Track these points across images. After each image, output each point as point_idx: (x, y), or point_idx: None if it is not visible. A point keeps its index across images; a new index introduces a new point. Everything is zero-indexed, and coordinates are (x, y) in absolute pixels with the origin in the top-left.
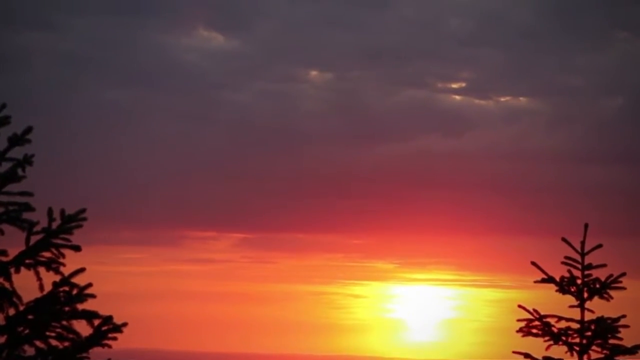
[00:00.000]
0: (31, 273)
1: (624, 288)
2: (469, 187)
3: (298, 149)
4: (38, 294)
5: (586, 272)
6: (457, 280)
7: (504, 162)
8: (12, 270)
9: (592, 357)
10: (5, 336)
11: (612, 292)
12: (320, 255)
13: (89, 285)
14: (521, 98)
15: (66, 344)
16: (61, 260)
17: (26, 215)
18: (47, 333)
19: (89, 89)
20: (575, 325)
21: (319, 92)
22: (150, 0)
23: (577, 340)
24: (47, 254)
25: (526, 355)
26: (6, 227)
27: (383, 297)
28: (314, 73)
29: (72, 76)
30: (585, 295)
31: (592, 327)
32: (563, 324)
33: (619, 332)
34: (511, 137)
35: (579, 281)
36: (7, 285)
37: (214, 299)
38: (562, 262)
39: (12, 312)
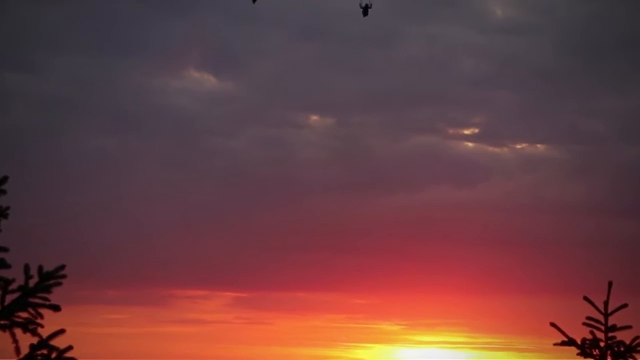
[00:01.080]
0: (7, 335)
1: None
2: (482, 242)
3: (296, 199)
4: (14, 358)
5: (610, 334)
6: (469, 342)
7: (520, 215)
8: None
9: None
10: None
11: (638, 356)
12: (321, 316)
13: (69, 348)
14: (538, 145)
15: None
16: (39, 321)
17: (1, 273)
18: None
19: (71, 135)
20: None
21: (319, 139)
22: (136, 39)
23: None
24: (24, 315)
25: None
26: None
27: None
28: (314, 118)
29: (53, 121)
30: (609, 359)
31: None
32: None
33: None
34: (528, 188)
35: (602, 344)
36: None
37: None
38: (584, 323)
39: None
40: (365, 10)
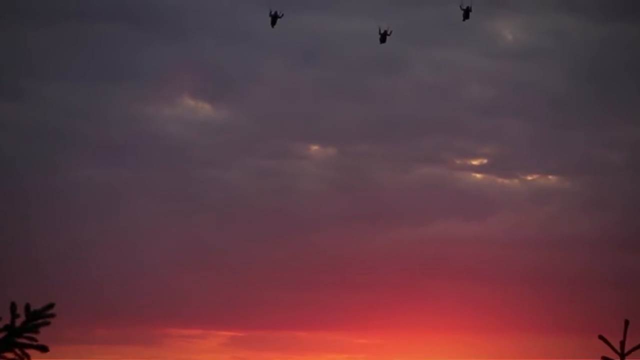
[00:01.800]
0: None
1: None
2: (491, 278)
3: (296, 234)
4: None
5: None
6: None
7: (532, 249)
8: None
9: None
10: None
11: None
12: (322, 356)
13: None
14: (550, 176)
15: None
16: None
17: None
18: None
19: (58, 165)
20: None
21: (320, 170)
22: (128, 65)
23: None
24: (10, 355)
25: None
26: None
27: None
28: (314, 148)
29: (41, 151)
30: None
31: None
32: None
33: None
34: (540, 221)
35: None
36: None
37: None
38: None
39: None
40: (384, 37)
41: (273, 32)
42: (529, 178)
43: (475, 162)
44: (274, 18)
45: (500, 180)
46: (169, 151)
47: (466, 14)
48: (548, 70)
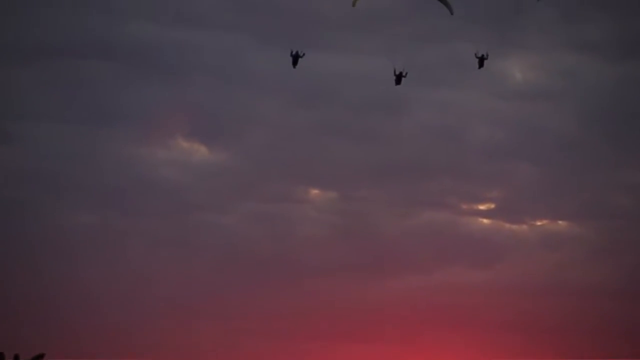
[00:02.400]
0: None
1: None
2: (500, 328)
3: (296, 281)
4: None
5: None
6: None
7: (541, 298)
8: None
9: None
10: None
11: None
12: None
13: None
14: (560, 222)
15: None
16: None
17: None
18: None
19: (51, 211)
20: None
21: (320, 215)
22: (121, 106)
23: None
24: None
25: None
26: None
27: None
28: (314, 192)
29: (33, 197)
30: None
31: None
32: None
33: None
34: (549, 268)
35: None
36: None
37: None
38: None
39: None
40: (399, 78)
41: (272, 71)
42: (538, 223)
43: (482, 207)
44: (295, 58)
45: (508, 225)
46: (164, 195)
47: (481, 62)
48: (558, 112)
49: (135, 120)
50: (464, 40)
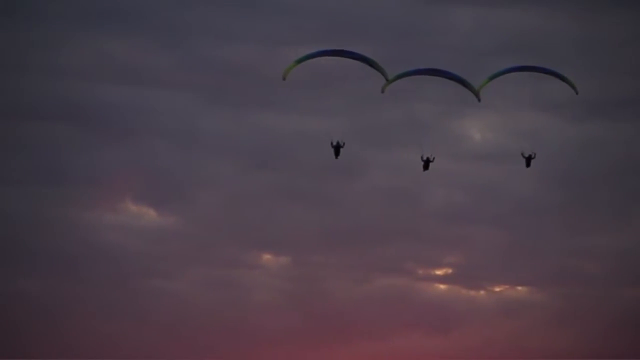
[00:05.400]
0: None
1: None
2: None
3: (248, 350)
4: None
5: None
6: None
7: None
8: None
9: None
10: None
11: None
12: None
13: None
14: (520, 287)
15: None
16: None
17: None
18: None
19: None
20: None
21: (273, 280)
22: (67, 168)
23: None
24: None
25: None
26: None
27: None
28: (267, 257)
29: None
30: None
31: None
32: None
33: None
34: (509, 336)
35: None
36: None
37: None
38: None
39: None
40: (427, 164)
41: (222, 132)
42: (497, 289)
43: (439, 272)
44: (337, 148)
45: (465, 291)
46: (111, 260)
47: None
48: (519, 174)
49: (82, 183)
50: (421, 99)
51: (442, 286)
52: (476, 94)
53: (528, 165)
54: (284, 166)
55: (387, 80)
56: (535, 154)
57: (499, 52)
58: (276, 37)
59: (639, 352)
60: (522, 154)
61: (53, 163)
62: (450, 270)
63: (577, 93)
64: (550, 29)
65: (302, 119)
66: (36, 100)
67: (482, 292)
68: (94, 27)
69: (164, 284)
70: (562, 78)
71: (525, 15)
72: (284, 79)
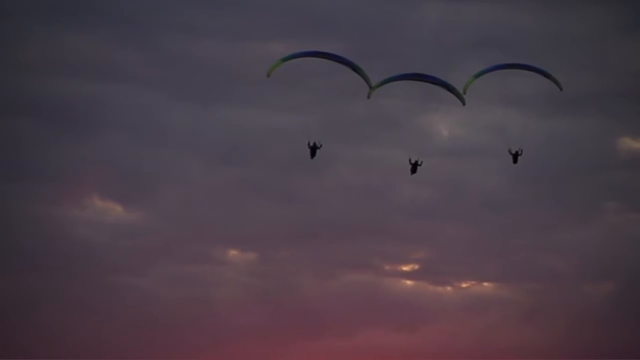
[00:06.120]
0: None
1: None
2: None
3: (214, 346)
4: None
5: None
6: None
7: None
8: None
9: None
10: None
11: None
12: None
13: None
14: (486, 283)
15: None
16: None
17: None
18: None
19: None
20: None
21: (239, 276)
22: (34, 164)
23: None
24: None
25: None
26: None
27: None
28: (233, 253)
29: None
30: None
31: None
32: None
33: None
34: (475, 332)
35: None
36: None
37: None
38: None
39: None
40: (415, 167)
41: (189, 128)
42: (464, 285)
43: (406, 268)
44: (314, 149)
45: (432, 287)
46: (78, 256)
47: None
48: (486, 170)
49: (49, 178)
50: (388, 95)
51: (409, 282)
52: (461, 98)
53: (515, 161)
54: (251, 162)
55: (370, 86)
56: (522, 150)
57: (466, 47)
58: (242, 32)
59: (605, 348)
60: (509, 151)
61: (20, 159)
62: (417, 266)
63: (561, 89)
64: (516, 24)
65: (269, 114)
66: (2, 95)
67: (448, 288)
68: (56, 22)
69: (130, 280)
70: (546, 75)
71: (492, 10)
72: (268, 76)
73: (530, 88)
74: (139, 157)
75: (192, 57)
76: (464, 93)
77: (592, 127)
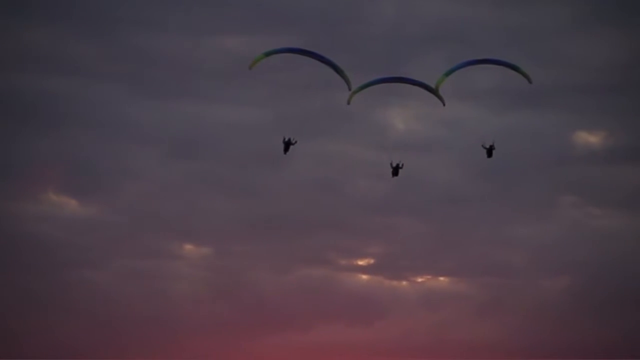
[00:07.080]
0: None
1: None
2: None
3: (169, 341)
4: None
5: None
6: None
7: (423, 358)
8: None
9: None
10: None
11: None
12: None
13: None
14: (442, 278)
15: None
16: None
17: None
18: None
19: None
20: None
21: (194, 271)
22: None
23: None
24: None
25: None
26: None
27: None
28: (188, 247)
29: None
30: None
31: None
32: None
33: None
34: (431, 327)
35: None
36: None
37: None
38: None
39: None
40: (396, 170)
41: (144, 122)
42: (419, 280)
43: (361, 263)
44: (287, 144)
45: (387, 282)
46: (33, 251)
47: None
48: (442, 164)
49: (3, 174)
50: (346, 89)
51: (364, 277)
52: (441, 99)
53: (489, 155)
54: (207, 156)
55: (350, 89)
56: (494, 144)
57: (424, 41)
58: (200, 26)
59: (561, 343)
60: (483, 145)
61: None
62: (372, 261)
63: (530, 82)
64: (476, 18)
65: (225, 108)
66: None
67: (404, 282)
68: (15, 15)
69: (86, 275)
70: (515, 68)
71: (451, 4)
72: (250, 68)
73: (486, 83)
74: (95, 151)
75: (151, 51)
76: (437, 90)
77: (549, 121)
